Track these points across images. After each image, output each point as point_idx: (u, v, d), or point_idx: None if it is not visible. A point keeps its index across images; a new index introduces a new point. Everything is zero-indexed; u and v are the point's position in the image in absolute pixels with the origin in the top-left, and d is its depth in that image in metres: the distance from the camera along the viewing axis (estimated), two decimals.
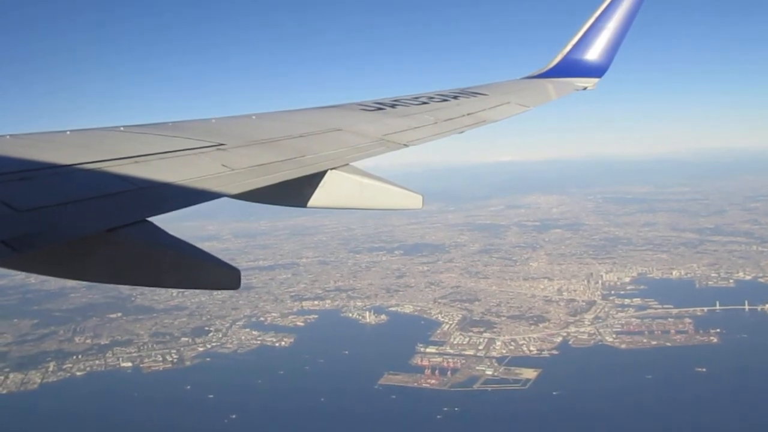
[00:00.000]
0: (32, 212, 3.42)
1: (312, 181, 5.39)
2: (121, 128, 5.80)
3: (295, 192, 5.42)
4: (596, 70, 12.38)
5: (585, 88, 12.21)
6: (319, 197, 5.45)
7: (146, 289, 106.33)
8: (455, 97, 9.93)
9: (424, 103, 9.24)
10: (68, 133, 5.32)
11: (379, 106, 8.62)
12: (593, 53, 12.37)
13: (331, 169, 5.49)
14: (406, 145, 6.92)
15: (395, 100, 9.14)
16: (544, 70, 12.80)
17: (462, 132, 8.18)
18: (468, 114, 8.85)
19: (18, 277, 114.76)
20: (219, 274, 3.60)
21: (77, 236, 3.42)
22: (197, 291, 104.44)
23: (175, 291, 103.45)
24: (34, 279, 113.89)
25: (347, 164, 5.69)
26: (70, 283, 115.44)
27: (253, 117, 7.25)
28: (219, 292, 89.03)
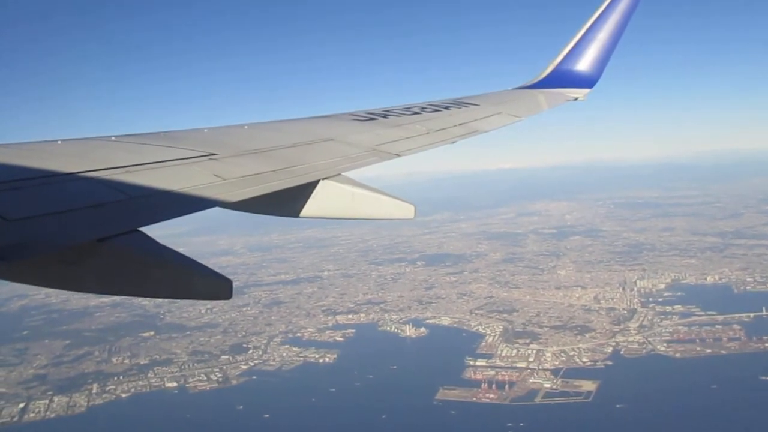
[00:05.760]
0: (23, 221, 3.41)
1: (304, 191, 5.41)
2: (113, 138, 5.79)
3: (287, 202, 5.43)
4: (587, 81, 12.51)
5: (576, 99, 12.27)
6: (311, 207, 5.46)
7: (174, 307, 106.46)
8: (447, 108, 9.98)
9: (416, 113, 9.29)
10: (59, 142, 5.32)
11: (372, 117, 8.63)
12: (584, 64, 12.52)
13: (323, 179, 5.49)
14: (398, 155, 6.92)
15: (387, 111, 9.17)
16: (536, 80, 12.90)
17: (454, 142, 8.22)
18: (460, 124, 8.91)
19: (38, 296, 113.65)
20: (211, 284, 3.60)
21: (68, 246, 3.44)
22: (227, 307, 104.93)
23: (204, 308, 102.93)
24: (55, 298, 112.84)
25: (339, 174, 5.68)
26: (93, 301, 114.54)
27: (246, 127, 7.28)
28: (249, 307, 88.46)
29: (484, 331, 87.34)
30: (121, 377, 78.49)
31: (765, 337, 75.81)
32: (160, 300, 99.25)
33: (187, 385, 76.39)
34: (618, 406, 63.85)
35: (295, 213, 5.49)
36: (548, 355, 77.33)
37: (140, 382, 77.22)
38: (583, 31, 12.54)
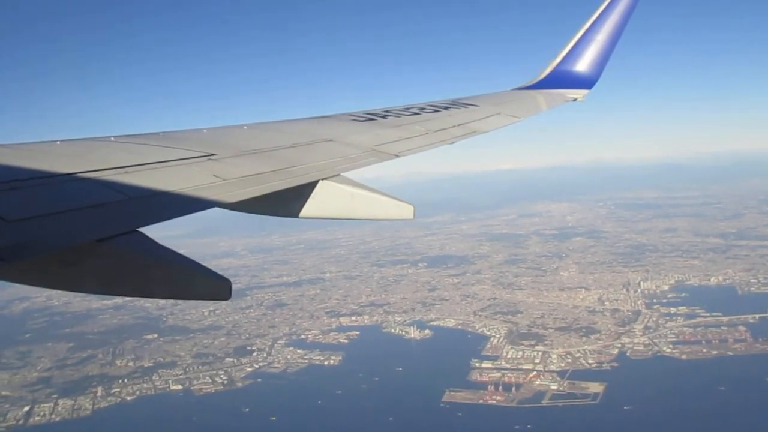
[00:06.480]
0: (22, 222, 3.42)
1: (303, 191, 5.41)
2: (112, 138, 5.81)
3: (286, 202, 5.44)
4: (586, 82, 12.55)
5: (575, 100, 12.31)
6: (310, 207, 5.47)
7: (176, 309, 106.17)
8: (446, 108, 10.01)
9: (415, 113, 9.33)
10: (58, 143, 5.33)
11: (371, 117, 8.67)
12: (583, 65, 12.56)
13: (323, 179, 5.50)
14: (397, 156, 6.94)
15: (386, 111, 9.21)
16: (535, 81, 12.94)
17: (452, 143, 8.24)
18: (459, 125, 8.93)
19: (40, 299, 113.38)
20: (210, 285, 3.61)
21: (67, 246, 3.44)
22: (230, 309, 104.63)
23: (206, 310, 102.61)
24: (56, 301, 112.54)
25: (338, 174, 5.70)
26: (95, 304, 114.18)
27: (245, 127, 7.30)
28: (252, 309, 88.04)
29: (488, 333, 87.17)
30: (125, 380, 78.20)
31: None
32: (163, 302, 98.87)
33: (192, 388, 76.08)
34: (625, 407, 63.75)
35: (294, 213, 5.50)
36: (554, 356, 77.17)
37: (145, 385, 76.94)
38: (582, 31, 12.59)
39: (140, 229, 3.73)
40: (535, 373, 73.41)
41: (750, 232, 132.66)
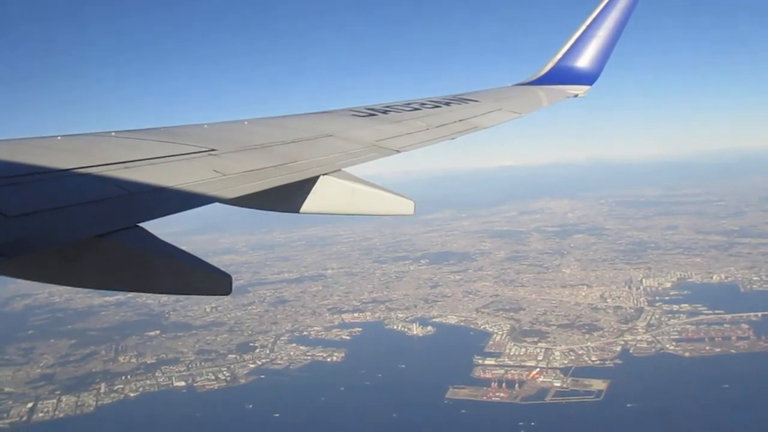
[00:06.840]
0: (22, 217, 3.43)
1: (304, 186, 5.42)
2: (113, 133, 5.81)
3: (287, 197, 5.45)
4: (587, 78, 12.56)
5: (576, 96, 12.34)
6: (311, 203, 5.47)
7: (179, 305, 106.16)
8: (447, 104, 9.99)
9: (416, 109, 9.32)
10: (59, 138, 5.32)
11: (371, 113, 8.63)
12: (584, 61, 12.55)
13: (323, 174, 5.50)
14: (398, 151, 6.94)
15: (387, 107, 9.21)
16: (536, 77, 12.93)
17: (453, 138, 8.20)
18: (460, 120, 8.93)
19: (42, 295, 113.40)
20: (210, 280, 3.61)
21: (67, 242, 3.44)
22: (232, 306, 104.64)
23: (209, 306, 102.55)
24: (58, 297, 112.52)
25: (339, 170, 5.70)
26: (97, 300, 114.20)
27: (245, 123, 7.32)
28: (254, 306, 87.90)
29: (491, 330, 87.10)
30: (128, 376, 78.16)
31: None
32: (165, 298, 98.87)
33: (195, 384, 76.07)
34: (629, 405, 63.71)
35: (295, 209, 5.51)
36: (557, 353, 77.08)
37: (148, 382, 76.90)
38: (583, 27, 12.57)
39: (141, 225, 3.74)
40: (538, 370, 73.45)
41: (752, 230, 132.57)
